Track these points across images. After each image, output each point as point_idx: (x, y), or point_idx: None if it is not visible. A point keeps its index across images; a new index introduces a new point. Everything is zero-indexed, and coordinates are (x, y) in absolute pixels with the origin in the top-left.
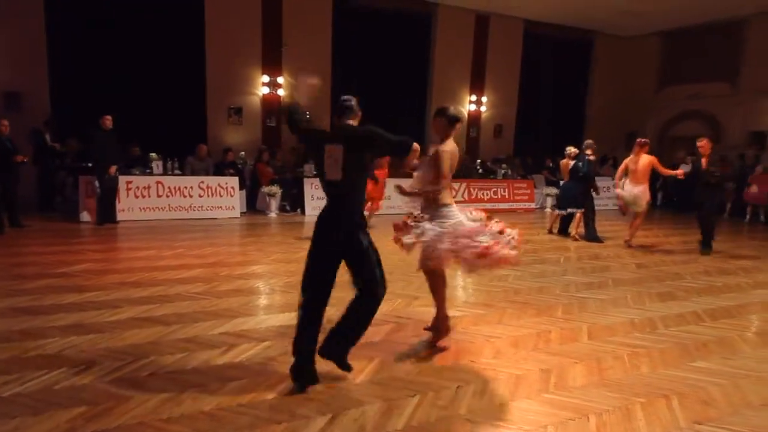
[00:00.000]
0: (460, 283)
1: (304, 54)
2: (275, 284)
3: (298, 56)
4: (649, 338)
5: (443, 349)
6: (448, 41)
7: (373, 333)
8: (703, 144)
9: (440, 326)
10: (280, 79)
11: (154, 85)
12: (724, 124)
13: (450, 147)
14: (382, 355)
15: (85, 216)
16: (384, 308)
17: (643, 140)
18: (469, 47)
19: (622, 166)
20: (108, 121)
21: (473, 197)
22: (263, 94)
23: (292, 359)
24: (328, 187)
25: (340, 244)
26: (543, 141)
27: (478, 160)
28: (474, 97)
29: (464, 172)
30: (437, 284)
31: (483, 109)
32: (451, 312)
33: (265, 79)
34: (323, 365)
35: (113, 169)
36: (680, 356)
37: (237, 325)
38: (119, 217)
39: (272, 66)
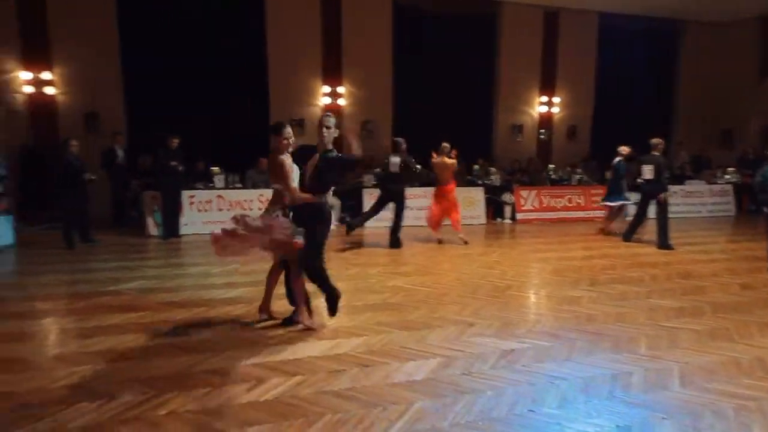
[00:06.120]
0: (522, 308)
1: (365, 63)
2: (321, 305)
3: (359, 65)
4: (761, 386)
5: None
6: (515, 41)
7: (414, 368)
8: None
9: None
10: (341, 89)
11: (219, 103)
12: None
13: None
14: (423, 398)
15: (153, 230)
16: (432, 338)
17: None
18: (538, 46)
19: None
20: (174, 143)
21: (544, 206)
22: (324, 105)
23: (321, 398)
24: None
25: None
26: (626, 141)
27: (551, 165)
28: (545, 98)
29: (533, 178)
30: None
31: (555, 110)
32: (511, 343)
33: (326, 89)
34: None
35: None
36: None
37: (270, 354)
38: (183, 230)
39: (332, 76)
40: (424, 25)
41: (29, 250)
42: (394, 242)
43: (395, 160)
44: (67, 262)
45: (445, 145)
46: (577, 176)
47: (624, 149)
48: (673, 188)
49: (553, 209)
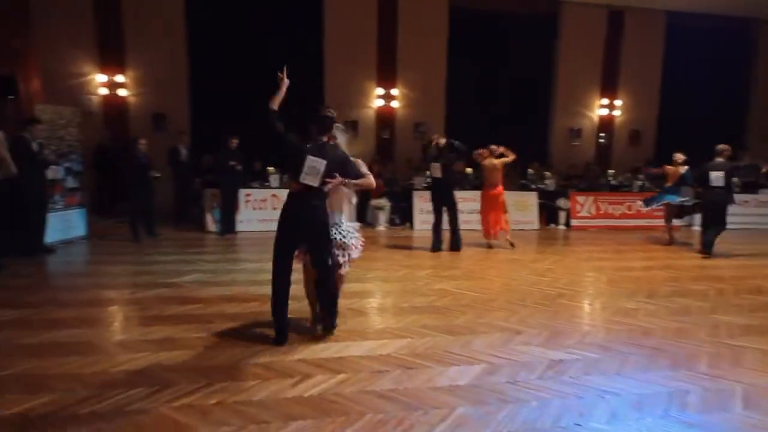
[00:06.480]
0: (573, 318)
1: (419, 65)
2: (368, 305)
3: (413, 67)
4: None
5: None
6: (576, 42)
7: (458, 374)
8: None
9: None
10: (395, 91)
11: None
12: None
13: None
14: (465, 404)
15: (211, 226)
16: (477, 344)
17: None
18: (600, 47)
19: None
20: (233, 143)
21: (601, 212)
22: (377, 107)
23: (363, 398)
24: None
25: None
26: (693, 147)
27: (610, 171)
28: (605, 101)
29: (590, 184)
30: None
31: (616, 113)
32: (560, 353)
33: (380, 91)
34: None
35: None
36: None
37: (316, 351)
38: (239, 227)
39: (387, 78)
40: (480, 26)
41: (100, 241)
42: (455, 245)
43: (436, 164)
44: (133, 254)
45: (494, 147)
46: (639, 182)
47: (680, 157)
48: (743, 197)
49: (611, 216)
